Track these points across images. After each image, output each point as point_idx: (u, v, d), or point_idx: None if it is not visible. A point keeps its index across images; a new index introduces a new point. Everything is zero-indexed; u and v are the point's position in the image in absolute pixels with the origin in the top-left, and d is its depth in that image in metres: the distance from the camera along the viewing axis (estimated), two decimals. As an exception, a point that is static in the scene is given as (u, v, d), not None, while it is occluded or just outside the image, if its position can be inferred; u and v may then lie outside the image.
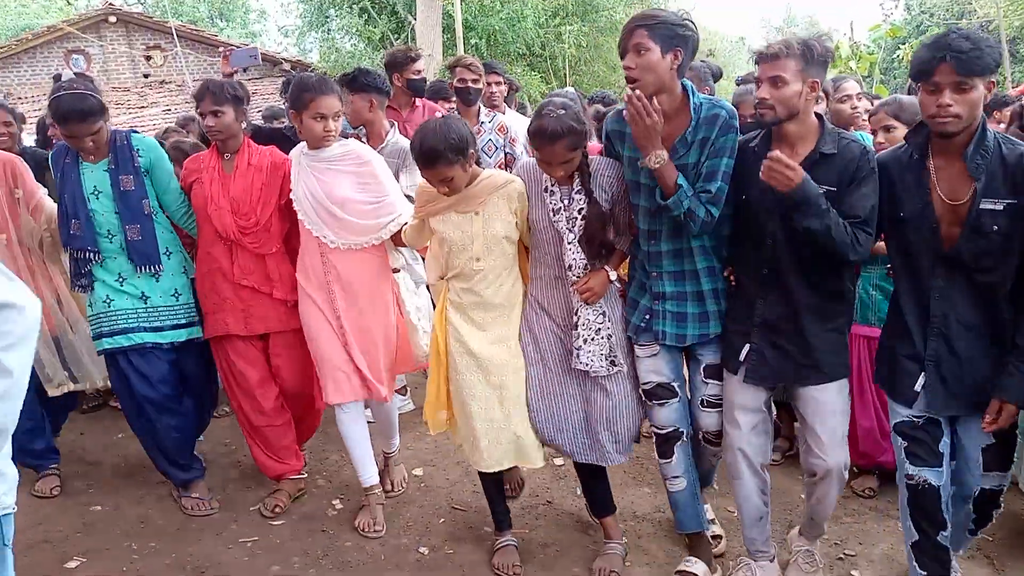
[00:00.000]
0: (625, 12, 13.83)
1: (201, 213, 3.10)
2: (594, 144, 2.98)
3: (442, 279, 2.74)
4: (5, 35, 18.16)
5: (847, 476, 2.50)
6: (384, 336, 3.03)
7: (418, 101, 4.30)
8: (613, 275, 2.56)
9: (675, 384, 2.59)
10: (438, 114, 3.29)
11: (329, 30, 15.95)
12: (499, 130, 4.34)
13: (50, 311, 3.35)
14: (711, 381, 2.59)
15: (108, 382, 3.39)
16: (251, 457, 3.43)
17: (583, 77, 14.41)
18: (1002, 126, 3.78)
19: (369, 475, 3.14)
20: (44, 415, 3.47)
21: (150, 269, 3.09)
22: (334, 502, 3.35)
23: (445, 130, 2.43)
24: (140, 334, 3.09)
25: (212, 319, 3.15)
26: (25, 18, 20.52)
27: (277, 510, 3.24)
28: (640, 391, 2.64)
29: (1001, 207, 2.08)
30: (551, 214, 2.54)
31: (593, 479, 2.81)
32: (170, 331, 3.15)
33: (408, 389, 4.28)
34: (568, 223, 2.51)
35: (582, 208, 2.50)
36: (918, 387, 2.24)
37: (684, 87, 2.38)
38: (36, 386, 3.29)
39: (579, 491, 3.14)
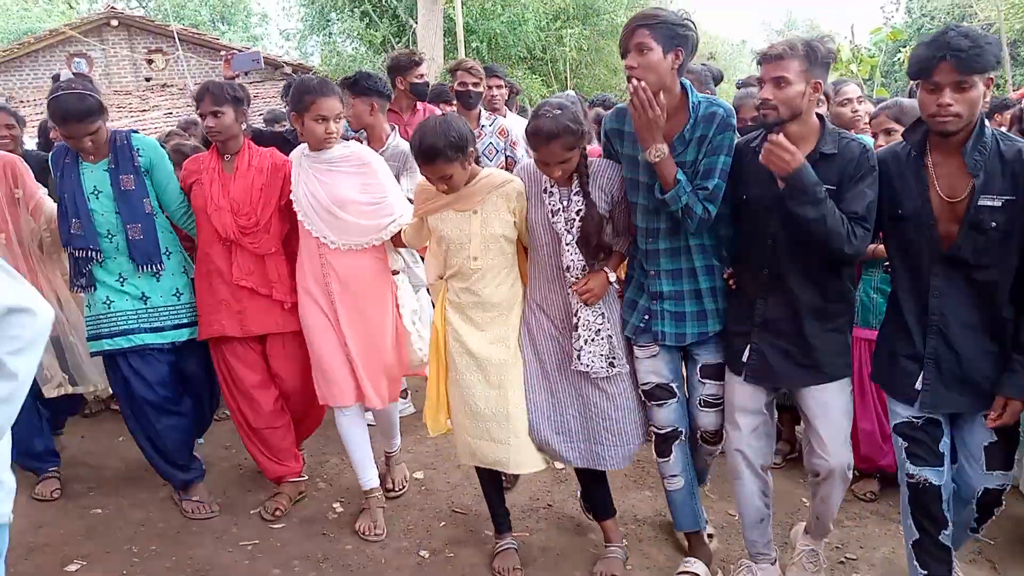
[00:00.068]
0: (626, 15, 13.81)
1: (201, 214, 3.11)
2: (595, 147, 2.99)
3: (441, 279, 2.74)
4: (7, 39, 18.21)
5: (851, 476, 2.50)
6: (384, 338, 3.02)
7: (419, 105, 4.30)
8: (612, 276, 2.56)
9: (673, 385, 2.59)
10: (439, 115, 3.30)
11: (330, 34, 15.98)
12: (500, 133, 4.34)
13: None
14: (708, 381, 2.60)
15: (109, 386, 3.39)
16: (251, 460, 3.43)
17: (584, 80, 14.43)
18: (1003, 129, 3.78)
19: (369, 478, 3.14)
20: (42, 416, 3.46)
21: (151, 268, 3.09)
22: (335, 505, 3.35)
23: (445, 127, 2.44)
24: (140, 335, 3.09)
25: (207, 320, 3.15)
26: (27, 22, 20.56)
27: (277, 513, 3.24)
28: (639, 392, 2.64)
29: (999, 203, 2.08)
30: (550, 215, 2.55)
31: (593, 482, 2.81)
32: (171, 331, 3.15)
33: (409, 392, 4.28)
34: (566, 224, 2.52)
35: (580, 209, 2.50)
36: (918, 386, 2.24)
37: (683, 86, 2.40)
38: (34, 386, 3.28)
39: (579, 494, 3.14)
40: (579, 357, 2.56)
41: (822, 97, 2.71)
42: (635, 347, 2.62)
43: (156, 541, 3.10)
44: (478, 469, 2.82)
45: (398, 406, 3.54)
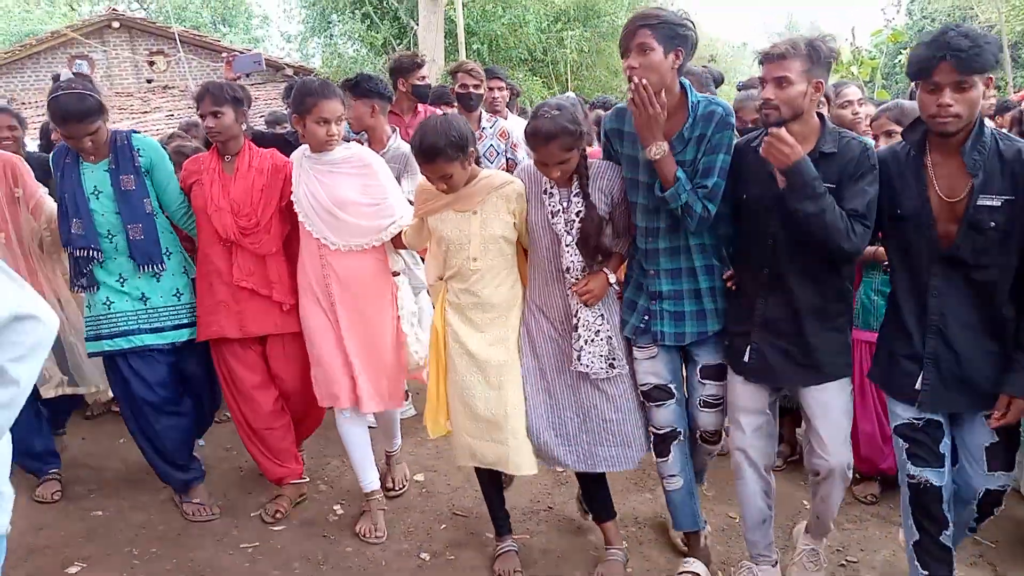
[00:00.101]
0: (627, 17, 13.83)
1: (201, 214, 3.11)
2: (595, 149, 2.99)
3: (441, 279, 2.75)
4: (9, 41, 18.24)
5: (851, 475, 2.49)
6: (385, 339, 3.02)
7: (420, 107, 4.31)
8: (613, 278, 2.56)
9: (672, 386, 2.59)
10: (439, 116, 3.30)
11: (331, 35, 16.01)
12: (500, 135, 4.35)
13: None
14: (709, 382, 2.60)
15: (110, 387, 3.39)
16: (252, 462, 3.43)
17: (585, 82, 14.43)
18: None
19: (370, 480, 3.14)
20: (42, 416, 3.46)
21: (152, 268, 3.09)
22: (335, 507, 3.35)
23: (446, 127, 2.45)
24: (140, 336, 3.09)
25: (205, 321, 3.15)
26: (29, 24, 20.59)
27: (278, 515, 3.24)
28: (638, 392, 2.64)
29: (999, 203, 2.08)
30: (549, 216, 2.55)
31: (593, 484, 2.81)
32: (171, 331, 3.15)
33: (410, 394, 4.27)
34: (566, 225, 2.52)
35: (580, 211, 2.51)
36: (918, 386, 2.24)
37: (682, 85, 2.40)
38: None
39: (577, 495, 3.14)
40: (579, 358, 2.56)
41: (823, 99, 2.71)
42: (634, 348, 2.62)
43: (157, 543, 3.10)
44: (478, 471, 2.82)
45: (399, 409, 3.54)
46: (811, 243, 2.26)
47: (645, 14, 2.33)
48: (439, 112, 4.46)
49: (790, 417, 3.47)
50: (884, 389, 2.42)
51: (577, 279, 2.54)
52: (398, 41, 14.16)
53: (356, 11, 14.48)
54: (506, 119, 4.62)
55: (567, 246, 2.52)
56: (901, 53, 13.31)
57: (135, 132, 3.18)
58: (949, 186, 2.14)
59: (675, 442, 2.63)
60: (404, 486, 3.44)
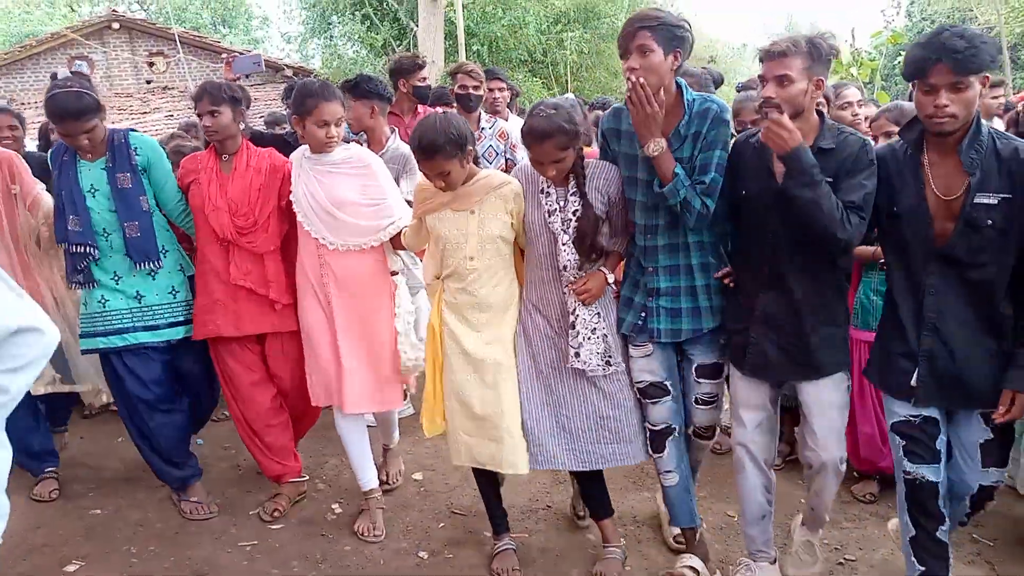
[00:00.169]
0: (626, 19, 13.85)
1: (198, 213, 3.11)
2: (593, 149, 3.00)
3: (438, 279, 2.75)
4: (9, 42, 18.24)
5: (844, 469, 2.50)
6: (382, 339, 3.01)
7: (420, 108, 4.31)
8: (611, 277, 2.57)
9: (667, 382, 2.61)
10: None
11: (331, 36, 16.01)
12: (500, 136, 4.35)
13: (49, 309, 3.34)
14: (705, 380, 2.62)
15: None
16: (250, 461, 3.43)
17: (584, 83, 14.45)
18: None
19: (368, 479, 3.14)
20: (40, 414, 3.46)
21: (149, 266, 3.09)
22: (333, 506, 3.35)
23: (445, 124, 2.47)
24: (135, 334, 3.10)
25: (202, 320, 3.15)
26: (29, 25, 20.60)
27: (276, 514, 3.24)
28: (634, 389, 2.65)
29: (995, 201, 2.09)
30: (546, 215, 2.56)
31: (590, 482, 2.81)
32: (167, 329, 3.15)
33: (408, 393, 4.27)
34: (563, 224, 2.53)
35: (577, 210, 2.52)
36: (913, 382, 2.25)
37: (678, 84, 2.42)
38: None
39: (570, 499, 3.15)
40: (576, 355, 2.57)
41: (822, 99, 2.72)
42: (630, 346, 2.64)
43: (155, 542, 3.11)
44: (475, 470, 2.82)
45: (397, 408, 3.54)
46: (809, 238, 2.27)
47: (644, 16, 2.35)
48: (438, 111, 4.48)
49: (790, 416, 3.47)
50: (880, 387, 2.43)
51: (574, 277, 2.55)
52: (398, 42, 14.16)
53: (356, 12, 14.48)
54: (507, 120, 4.63)
55: (564, 245, 2.53)
56: (900, 54, 13.30)
57: (133, 131, 3.19)
58: (946, 184, 2.15)
59: (671, 438, 2.64)
60: (398, 480, 3.45)
